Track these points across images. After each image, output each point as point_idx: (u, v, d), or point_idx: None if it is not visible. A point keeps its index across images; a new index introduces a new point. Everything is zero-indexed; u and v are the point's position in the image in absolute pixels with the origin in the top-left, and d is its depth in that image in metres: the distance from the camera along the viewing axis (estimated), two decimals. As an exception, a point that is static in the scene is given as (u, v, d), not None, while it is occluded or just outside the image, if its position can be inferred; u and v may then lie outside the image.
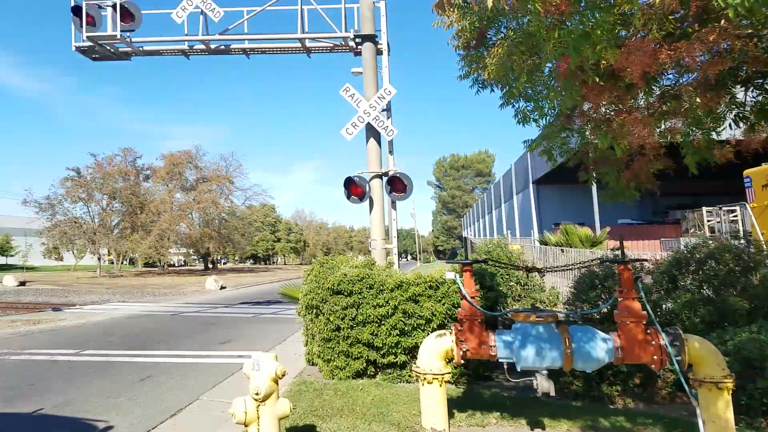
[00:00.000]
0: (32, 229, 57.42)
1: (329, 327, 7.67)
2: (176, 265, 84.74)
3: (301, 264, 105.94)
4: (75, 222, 53.54)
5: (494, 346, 5.28)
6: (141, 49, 13.22)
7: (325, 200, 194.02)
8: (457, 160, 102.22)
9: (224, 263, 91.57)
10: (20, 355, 10.59)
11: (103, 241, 53.94)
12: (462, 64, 5.86)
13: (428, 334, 7.01)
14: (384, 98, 10.39)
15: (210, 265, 66.19)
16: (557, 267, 6.30)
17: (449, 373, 5.91)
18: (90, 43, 12.69)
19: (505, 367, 5.27)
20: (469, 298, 5.58)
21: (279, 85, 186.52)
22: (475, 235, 64.87)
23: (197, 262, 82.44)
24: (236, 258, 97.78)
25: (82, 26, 12.36)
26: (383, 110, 10.53)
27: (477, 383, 7.44)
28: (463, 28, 5.28)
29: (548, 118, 5.61)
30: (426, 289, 7.41)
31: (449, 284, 7.34)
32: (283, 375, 5.59)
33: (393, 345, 7.38)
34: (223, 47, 13.03)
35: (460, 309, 5.55)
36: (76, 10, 12.34)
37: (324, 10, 12.01)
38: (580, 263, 7.50)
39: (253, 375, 5.48)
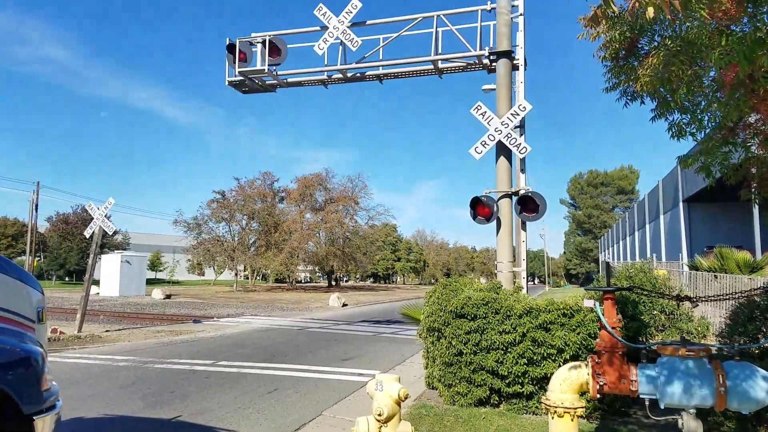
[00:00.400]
0: (179, 247, 63.46)
1: (451, 351, 7.42)
2: (303, 281, 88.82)
3: (420, 284, 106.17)
4: (218, 240, 58.54)
5: (635, 381, 4.89)
6: (285, 81, 14.07)
7: (447, 220, 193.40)
8: (595, 176, 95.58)
9: (346, 281, 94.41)
10: (163, 363, 11.49)
11: (241, 257, 58.38)
12: (609, 75, 5.50)
13: (559, 364, 6.56)
14: (518, 114, 10.02)
15: (333, 283, 68.56)
16: (712, 296, 5.59)
17: (583, 407, 5.44)
18: (241, 78, 13.69)
19: (647, 403, 4.90)
20: (609, 329, 5.13)
21: (404, 106, 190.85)
22: (613, 258, 60.77)
23: (321, 279, 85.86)
24: (357, 276, 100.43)
25: (235, 62, 13.36)
26: (516, 127, 10.15)
27: (612, 419, 6.80)
28: (612, 39, 4.94)
29: (706, 131, 5.05)
30: (559, 316, 6.91)
31: (585, 312, 6.80)
32: (406, 398, 5.46)
33: (520, 374, 6.96)
34: (359, 75, 13.45)
35: (598, 340, 5.13)
36: (231, 48, 13.39)
37: (459, 30, 11.92)
38: (738, 292, 6.61)
39: (376, 395, 5.41)
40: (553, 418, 5.09)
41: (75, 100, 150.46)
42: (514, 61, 10.89)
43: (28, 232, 51.73)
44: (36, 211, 50.11)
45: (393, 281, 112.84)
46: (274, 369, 10.85)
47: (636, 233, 49.36)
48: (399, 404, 5.43)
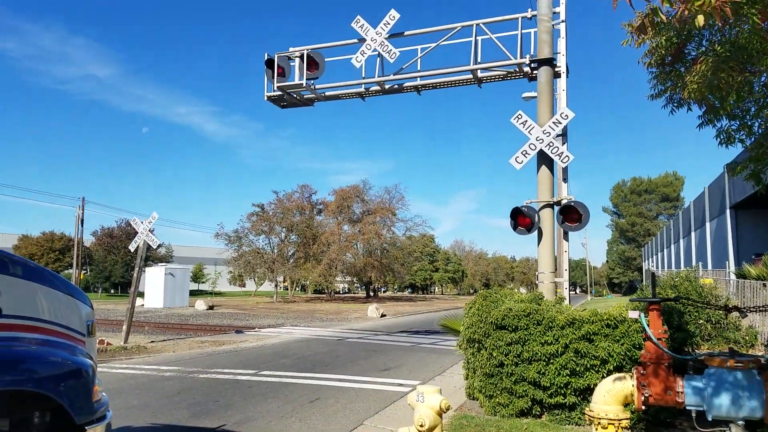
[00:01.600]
0: (221, 259, 64.81)
1: (492, 362, 7.35)
2: (341, 292, 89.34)
3: (458, 294, 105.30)
4: (257, 252, 59.58)
5: (682, 393, 4.86)
6: (323, 94, 14.21)
7: (485, 230, 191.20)
8: (639, 184, 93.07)
9: (384, 291, 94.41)
10: (207, 373, 11.72)
11: (281, 269, 59.24)
12: (654, 82, 5.41)
13: (603, 375, 6.44)
14: (560, 123, 9.86)
15: (371, 293, 68.70)
16: (761, 306, 5.42)
17: (627, 418, 5.32)
18: (279, 93, 13.84)
19: (694, 415, 4.89)
20: (655, 340, 5.04)
21: (441, 117, 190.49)
22: (658, 267, 58.92)
23: (359, 289, 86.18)
24: (395, 287, 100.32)
25: (273, 77, 13.53)
26: (558, 135, 9.99)
27: (657, 430, 6.60)
28: (658, 45, 4.86)
29: (756, 137, 4.91)
30: (602, 327, 6.77)
31: (630, 323, 6.64)
32: (448, 409, 5.44)
33: (562, 385, 6.84)
34: (396, 86, 13.45)
35: (643, 351, 5.05)
36: (269, 63, 13.59)
37: (498, 39, 11.81)
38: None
39: (418, 406, 5.41)
40: (596, 429, 5.02)
41: (117, 117, 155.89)
42: (556, 69, 10.75)
43: (75, 246, 53.61)
44: (82, 226, 51.86)
45: (431, 291, 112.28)
46: (316, 379, 10.94)
47: (681, 241, 47.81)
48: (440, 415, 5.41)
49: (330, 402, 8.90)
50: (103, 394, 3.92)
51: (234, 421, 7.57)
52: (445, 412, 5.44)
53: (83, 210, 51.21)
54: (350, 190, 60.95)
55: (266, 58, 13.58)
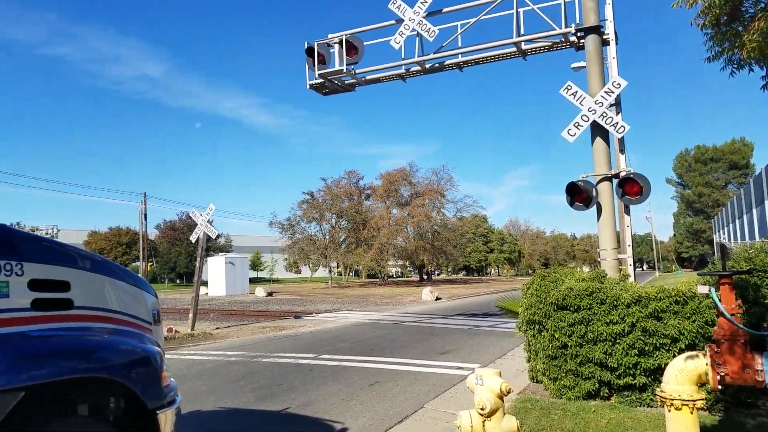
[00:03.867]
0: (277, 247, 66.28)
1: (554, 344, 7.18)
2: (394, 276, 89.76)
3: (516, 275, 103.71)
4: (310, 239, 60.64)
5: (762, 371, 4.56)
6: (364, 79, 14.17)
7: (541, 207, 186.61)
8: (703, 152, 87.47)
9: (438, 274, 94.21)
10: (269, 357, 12.02)
11: (333, 255, 60.14)
12: (710, 44, 5.06)
13: (674, 354, 6.17)
14: (612, 92, 9.45)
15: (425, 277, 68.72)
16: None
17: (702, 399, 5.08)
18: (321, 80, 13.91)
19: None
20: (728, 316, 4.76)
21: (487, 93, 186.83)
22: (730, 239, 56.13)
23: (413, 273, 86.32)
24: (449, 269, 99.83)
25: (314, 65, 13.62)
26: (611, 105, 9.60)
27: (738, 411, 6.29)
28: (712, 4, 4.54)
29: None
30: (671, 304, 6.48)
31: (700, 298, 6.33)
32: (508, 392, 5.33)
33: (630, 366, 6.61)
34: (437, 65, 13.27)
35: (716, 327, 4.77)
36: (310, 51, 13.66)
37: (541, 9, 11.41)
38: None
39: (477, 389, 5.33)
40: (669, 410, 4.81)
41: (170, 113, 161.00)
42: (604, 36, 10.30)
43: (140, 240, 56.13)
44: (145, 220, 54.31)
45: (487, 273, 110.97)
46: (374, 362, 11.03)
47: (754, 210, 45.22)
48: (501, 398, 5.32)
49: (389, 385, 8.95)
50: (172, 379, 4.04)
51: (297, 404, 7.72)
52: (506, 395, 5.34)
53: (146, 205, 53.47)
54: (397, 173, 60.80)
55: (306, 46, 13.63)
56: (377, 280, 72.31)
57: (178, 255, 71.66)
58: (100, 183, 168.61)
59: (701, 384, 5.07)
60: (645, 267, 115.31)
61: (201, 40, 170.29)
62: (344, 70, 13.40)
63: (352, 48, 13.30)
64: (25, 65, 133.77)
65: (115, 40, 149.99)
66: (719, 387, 4.73)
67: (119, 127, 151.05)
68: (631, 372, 6.63)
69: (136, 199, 58.62)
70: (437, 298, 32.79)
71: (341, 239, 62.58)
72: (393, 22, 12.75)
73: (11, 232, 3.17)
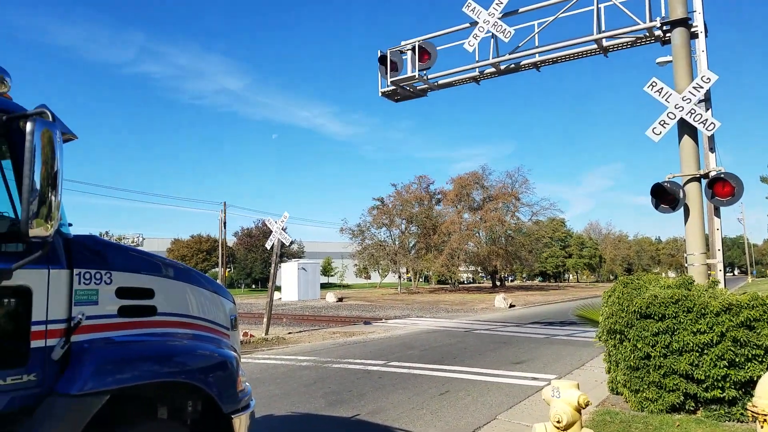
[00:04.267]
0: (347, 253, 67.28)
1: (636, 354, 6.82)
2: (465, 282, 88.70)
3: (596, 281, 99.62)
4: (380, 245, 61.10)
5: None
6: (436, 83, 14.11)
7: (625, 209, 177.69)
8: None
9: (511, 280, 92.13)
10: (340, 363, 12.15)
11: (403, 260, 60.25)
12: None
13: (768, 367, 5.72)
14: (701, 87, 8.90)
15: (498, 283, 67.44)
16: None
17: (802, 417, 4.66)
18: (393, 87, 13.98)
19: None
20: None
21: (563, 93, 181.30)
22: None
23: (485, 279, 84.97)
24: (524, 275, 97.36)
25: (386, 73, 13.70)
26: (700, 101, 9.03)
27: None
28: None
29: None
30: (765, 312, 6.04)
31: (799, 307, 5.84)
32: (587, 405, 5.11)
33: (719, 378, 6.19)
34: (513, 65, 12.96)
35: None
36: (382, 60, 13.77)
37: (623, 4, 10.95)
38: None
39: (554, 402, 5.14)
40: (762, 426, 4.46)
41: (249, 125, 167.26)
42: (692, 29, 9.71)
43: (219, 247, 58.48)
44: (225, 228, 56.41)
45: (565, 279, 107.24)
46: (444, 371, 10.90)
47: None
48: (579, 411, 5.10)
49: (460, 395, 8.80)
50: (247, 383, 4.14)
51: (367, 411, 7.74)
52: (583, 408, 5.12)
53: (225, 213, 55.63)
54: (469, 177, 60.13)
55: (379, 55, 13.74)
56: (447, 286, 71.75)
57: (254, 261, 74.20)
58: (183, 193, 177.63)
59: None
60: (737, 272, 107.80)
61: (277, 54, 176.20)
62: (416, 76, 13.39)
63: (424, 53, 13.27)
64: (114, 83, 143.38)
65: (196, 55, 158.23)
66: (823, 405, 4.32)
67: (201, 140, 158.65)
68: (720, 384, 6.21)
69: (217, 208, 61.18)
70: (511, 306, 32.06)
71: (411, 244, 62.66)
72: (467, 25, 12.61)
73: (101, 242, 3.37)
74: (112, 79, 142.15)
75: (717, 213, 9.22)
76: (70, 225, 3.36)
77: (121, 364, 3.13)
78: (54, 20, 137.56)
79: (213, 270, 71.04)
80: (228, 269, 71.90)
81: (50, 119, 2.83)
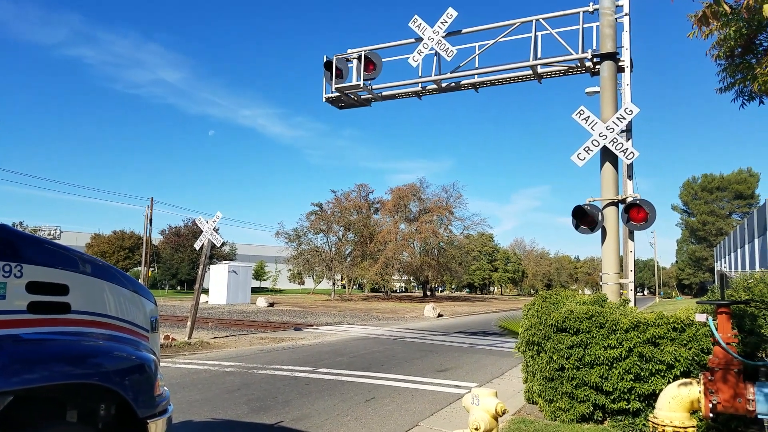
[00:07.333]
0: (281, 257, 66.35)
1: (552, 366, 7.16)
2: (398, 291, 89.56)
3: (519, 295, 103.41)
4: (316, 251, 60.74)
5: (753, 400, 4.67)
6: (380, 94, 14.29)
7: (548, 228, 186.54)
8: (710, 180, 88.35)
9: (441, 291, 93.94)
10: (266, 369, 11.99)
11: (338, 267, 60.16)
12: (723, 75, 5.15)
13: (669, 381, 6.17)
14: (624, 118, 9.49)
15: (428, 293, 68.56)
16: None
17: (693, 426, 5.06)
18: (337, 94, 14.03)
19: (766, 424, 4.55)
20: (723, 345, 4.78)
21: (501, 114, 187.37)
22: (731, 268, 55.77)
23: (417, 288, 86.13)
24: (453, 286, 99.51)
25: (332, 79, 13.72)
26: (622, 131, 9.62)
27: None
28: (726, 36, 4.63)
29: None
30: (668, 330, 6.48)
31: (698, 326, 6.31)
32: (504, 413, 5.33)
33: (625, 390, 6.58)
34: (453, 84, 13.33)
35: (711, 356, 4.78)
36: (328, 65, 13.78)
37: (559, 34, 11.50)
38: None
39: (473, 409, 5.33)
40: (662, 438, 4.79)
41: (185, 120, 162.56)
42: (619, 63, 10.35)
43: (143, 245, 56.18)
44: (150, 225, 54.29)
45: (490, 292, 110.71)
46: (371, 378, 10.99)
47: (756, 241, 45.00)
48: (496, 419, 5.31)
49: (385, 402, 8.91)
50: (165, 388, 4.05)
51: (291, 418, 7.70)
52: (501, 416, 5.34)
53: (152, 209, 53.60)
54: (407, 188, 61.06)
55: (324, 60, 13.76)
56: (380, 294, 72.19)
57: (181, 261, 71.78)
58: (109, 186, 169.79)
59: (693, 411, 5.05)
60: (646, 292, 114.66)
61: (222, 48, 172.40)
62: (361, 85, 13.50)
63: (370, 63, 13.41)
64: (43, 66, 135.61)
65: (135, 44, 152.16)
66: (711, 415, 4.73)
67: (131, 131, 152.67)
68: (626, 397, 6.61)
69: (143, 204, 59.03)
70: (439, 315, 32.67)
71: (347, 252, 62.66)
72: (412, 40, 12.83)
73: (12, 233, 3.19)
74: (39, 61, 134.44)
75: (631, 236, 9.85)
76: None
77: (28, 363, 2.98)
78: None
79: (135, 269, 68.13)
80: (152, 269, 69.17)
81: None
